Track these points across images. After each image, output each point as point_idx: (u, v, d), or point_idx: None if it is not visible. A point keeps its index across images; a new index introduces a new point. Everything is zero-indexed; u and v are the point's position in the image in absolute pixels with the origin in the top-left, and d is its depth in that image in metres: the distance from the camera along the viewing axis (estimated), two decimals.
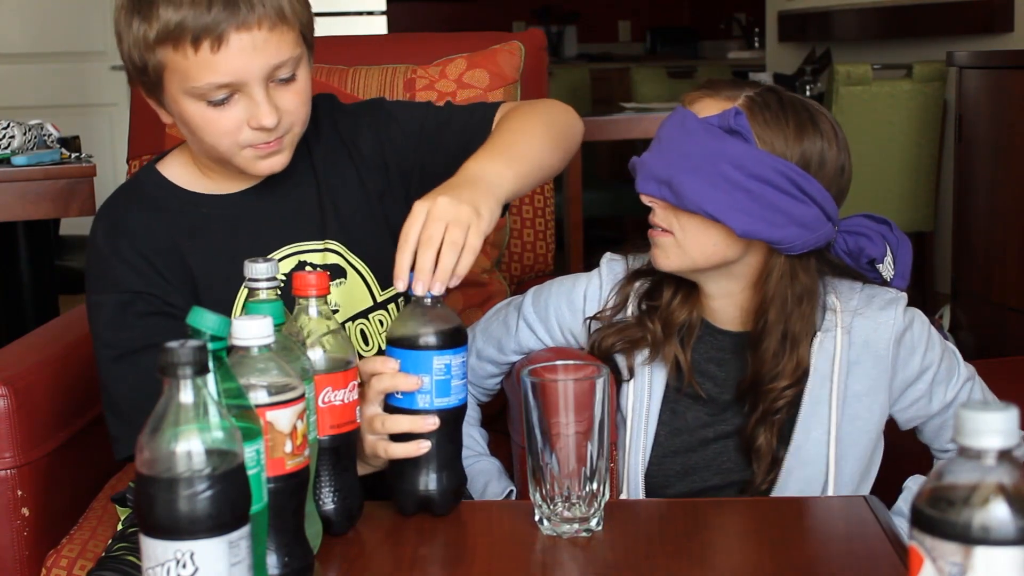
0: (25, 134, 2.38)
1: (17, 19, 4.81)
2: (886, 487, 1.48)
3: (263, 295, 1.08)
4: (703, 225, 1.37)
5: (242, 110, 1.29)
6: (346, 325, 1.41)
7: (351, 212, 1.44)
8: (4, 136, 2.35)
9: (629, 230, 5.60)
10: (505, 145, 1.34)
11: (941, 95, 3.79)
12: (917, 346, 1.42)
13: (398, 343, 1.19)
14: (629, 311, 1.48)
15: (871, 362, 1.41)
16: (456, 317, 1.20)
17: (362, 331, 1.43)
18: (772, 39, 5.41)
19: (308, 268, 1.40)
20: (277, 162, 1.35)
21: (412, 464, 1.21)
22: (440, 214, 1.17)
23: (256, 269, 1.07)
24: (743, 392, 1.42)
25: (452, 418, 1.21)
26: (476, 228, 1.18)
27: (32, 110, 3.84)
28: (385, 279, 1.44)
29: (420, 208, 1.18)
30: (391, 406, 1.20)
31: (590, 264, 1.56)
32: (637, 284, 1.48)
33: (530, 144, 1.36)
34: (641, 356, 1.45)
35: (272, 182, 1.42)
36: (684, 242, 1.38)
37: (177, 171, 1.43)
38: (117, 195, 1.44)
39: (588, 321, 1.49)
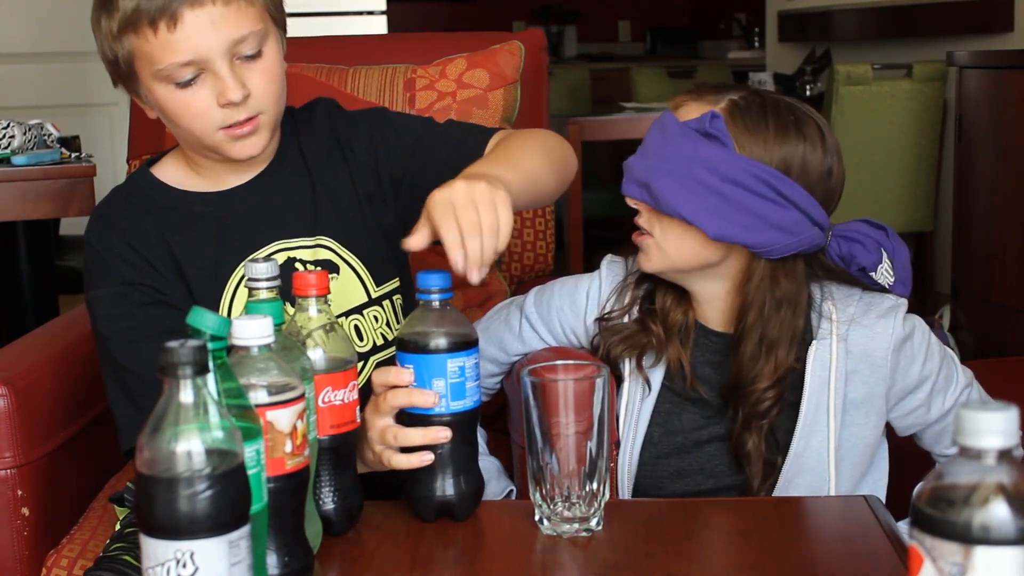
0: (25, 134, 2.38)
1: (17, 19, 4.81)
2: (891, 489, 1.48)
3: (263, 295, 1.08)
4: (681, 228, 1.37)
5: (209, 89, 1.31)
6: (340, 320, 1.41)
7: (345, 209, 1.45)
8: (4, 136, 2.35)
9: (629, 230, 5.59)
10: (503, 157, 1.35)
11: (941, 95, 3.80)
12: (916, 356, 1.41)
13: (410, 348, 1.18)
14: (634, 314, 1.48)
15: (868, 371, 1.40)
16: (465, 319, 1.20)
17: (356, 327, 1.43)
18: (772, 39, 5.41)
19: (298, 265, 1.41)
20: (252, 145, 1.36)
21: (428, 470, 1.20)
22: (465, 199, 1.14)
23: (256, 269, 1.07)
24: (726, 395, 1.42)
25: (468, 420, 1.20)
26: (503, 204, 1.15)
27: (32, 110, 3.83)
28: (379, 275, 1.44)
29: (442, 196, 1.15)
30: (405, 412, 1.20)
31: (590, 264, 1.57)
32: (641, 288, 1.49)
33: (527, 160, 1.36)
34: (648, 361, 1.46)
35: (263, 179, 1.43)
36: (664, 244, 1.39)
37: (170, 171, 1.45)
38: (110, 196, 1.46)
39: (594, 323, 1.49)
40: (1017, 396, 0.88)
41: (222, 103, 1.31)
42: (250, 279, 1.08)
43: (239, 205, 1.43)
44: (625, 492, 1.45)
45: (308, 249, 1.42)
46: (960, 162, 3.30)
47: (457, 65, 1.95)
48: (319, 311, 1.14)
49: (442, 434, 1.18)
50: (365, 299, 1.44)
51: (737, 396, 1.40)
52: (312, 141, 1.47)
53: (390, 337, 1.45)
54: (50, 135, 2.48)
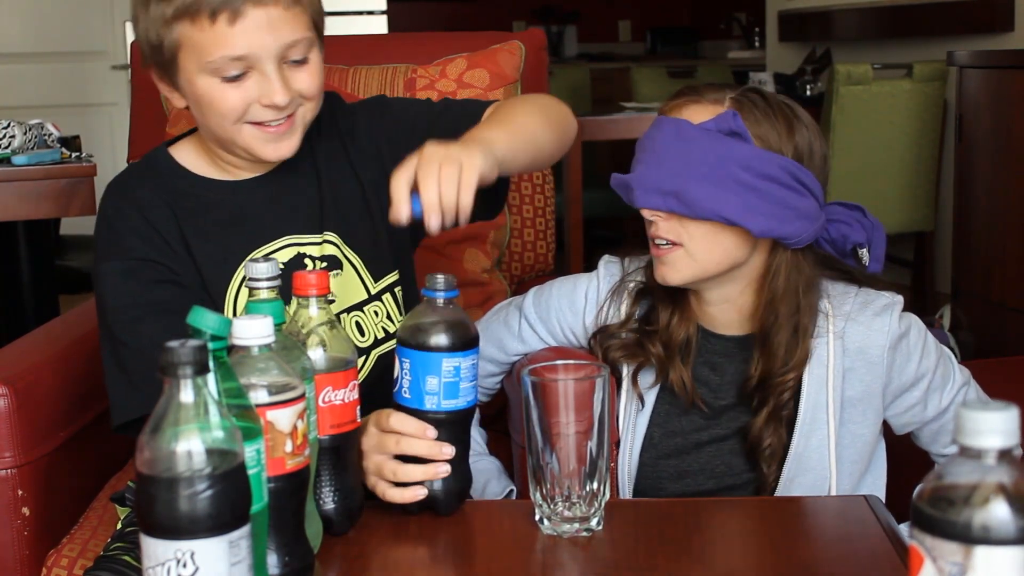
0: (25, 134, 2.38)
1: (17, 19, 4.81)
2: (889, 489, 1.48)
3: (263, 295, 1.07)
4: (712, 231, 1.36)
5: (254, 87, 1.32)
6: (341, 317, 1.42)
7: (347, 206, 1.46)
8: (4, 136, 2.35)
9: (629, 230, 5.60)
10: (497, 120, 1.37)
11: (941, 95, 3.79)
12: (913, 353, 1.41)
13: (408, 343, 1.19)
14: (632, 325, 1.48)
15: (865, 368, 1.40)
16: (467, 318, 1.20)
17: (357, 323, 1.44)
18: (772, 39, 5.41)
19: (307, 260, 1.42)
20: (285, 147, 1.37)
21: (418, 463, 1.21)
22: (430, 155, 1.18)
23: (256, 269, 1.07)
24: (750, 392, 1.42)
25: (460, 420, 1.20)
26: (468, 164, 1.18)
27: (32, 110, 3.83)
28: (377, 271, 1.45)
29: (411, 157, 1.20)
30: (399, 405, 1.20)
31: (590, 264, 1.57)
32: (639, 306, 1.48)
33: (523, 120, 1.38)
34: (646, 379, 1.46)
35: (276, 174, 1.44)
36: (694, 252, 1.37)
37: (187, 155, 1.46)
38: (127, 171, 1.47)
39: (593, 332, 1.49)
40: (1017, 396, 0.88)
41: (265, 103, 1.32)
42: (250, 279, 1.08)
43: (252, 197, 1.44)
44: (626, 492, 1.45)
45: (316, 245, 1.43)
46: (960, 162, 3.30)
47: (457, 65, 1.95)
48: (320, 310, 1.14)
49: (442, 469, 1.19)
50: (365, 296, 1.45)
51: (765, 389, 1.40)
52: (320, 141, 1.48)
53: (391, 330, 1.45)
54: (50, 135, 2.48)
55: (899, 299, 1.42)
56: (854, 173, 3.68)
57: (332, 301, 1.42)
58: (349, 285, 1.44)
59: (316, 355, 1.12)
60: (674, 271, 1.39)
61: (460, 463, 1.22)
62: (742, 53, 6.81)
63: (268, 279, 1.07)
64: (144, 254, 1.37)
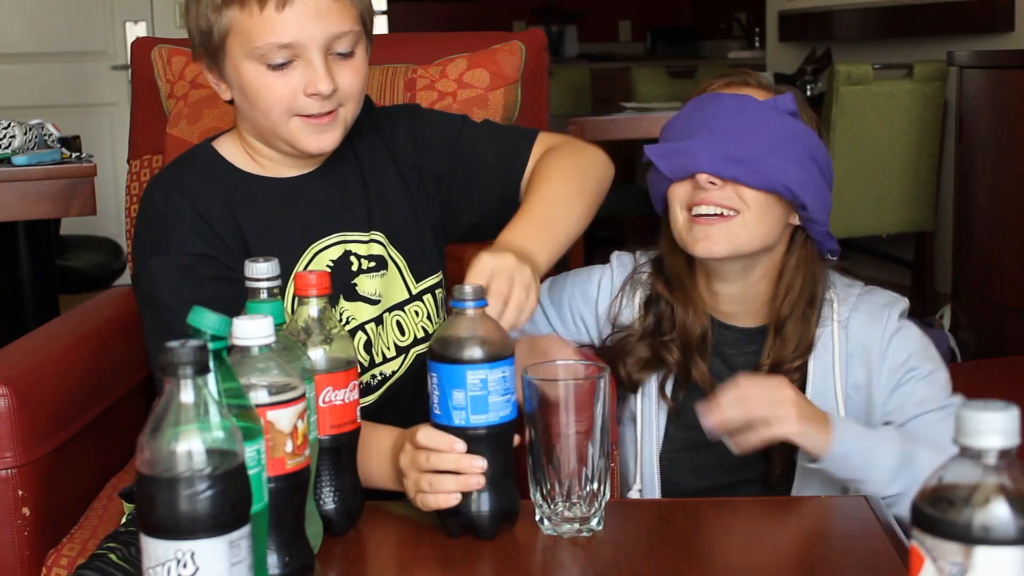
0: (26, 134, 2.38)
1: (17, 19, 4.81)
2: None
3: (263, 295, 1.08)
4: (766, 204, 1.40)
5: (299, 76, 1.34)
6: (384, 316, 1.45)
7: (393, 206, 1.48)
8: (5, 136, 2.35)
9: (629, 230, 5.60)
10: (543, 217, 1.38)
11: (941, 95, 3.79)
12: (902, 353, 1.42)
13: (434, 356, 1.15)
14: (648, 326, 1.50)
15: (864, 358, 1.43)
16: (498, 330, 1.16)
17: (398, 322, 1.46)
18: (772, 39, 5.41)
19: (352, 258, 1.44)
20: (327, 140, 1.38)
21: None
22: (507, 269, 1.23)
23: (256, 269, 1.07)
24: None
25: (493, 436, 1.15)
26: (534, 292, 1.25)
27: (32, 110, 3.83)
28: (420, 272, 1.48)
29: (487, 260, 1.23)
30: (432, 422, 1.17)
31: (590, 264, 1.60)
32: (650, 316, 1.50)
33: (567, 215, 1.40)
34: (669, 386, 1.48)
35: (320, 172, 1.46)
36: (751, 222, 1.40)
37: (230, 151, 1.47)
38: (173, 164, 1.47)
39: (606, 323, 1.53)
40: (1017, 396, 0.88)
41: (309, 92, 1.33)
42: (250, 279, 1.08)
43: (299, 195, 1.44)
44: (655, 492, 1.46)
45: (363, 244, 1.45)
46: (960, 162, 3.30)
47: (457, 65, 1.95)
48: (320, 312, 1.14)
49: (473, 480, 1.14)
50: (407, 296, 1.47)
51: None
52: (361, 140, 1.50)
53: (430, 330, 1.48)
54: (50, 135, 2.48)
55: (904, 300, 1.45)
56: (854, 173, 3.68)
57: (378, 301, 1.43)
58: (393, 285, 1.46)
59: (316, 355, 1.12)
60: (729, 239, 1.40)
61: (499, 482, 1.17)
62: (742, 53, 6.81)
63: (268, 279, 1.08)
64: (199, 250, 1.37)
